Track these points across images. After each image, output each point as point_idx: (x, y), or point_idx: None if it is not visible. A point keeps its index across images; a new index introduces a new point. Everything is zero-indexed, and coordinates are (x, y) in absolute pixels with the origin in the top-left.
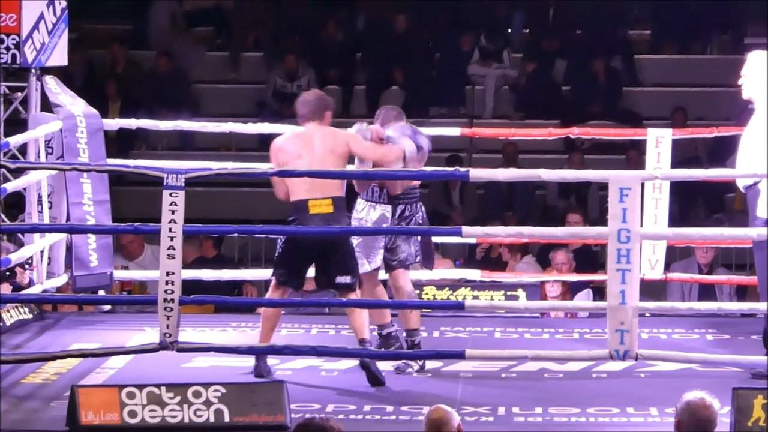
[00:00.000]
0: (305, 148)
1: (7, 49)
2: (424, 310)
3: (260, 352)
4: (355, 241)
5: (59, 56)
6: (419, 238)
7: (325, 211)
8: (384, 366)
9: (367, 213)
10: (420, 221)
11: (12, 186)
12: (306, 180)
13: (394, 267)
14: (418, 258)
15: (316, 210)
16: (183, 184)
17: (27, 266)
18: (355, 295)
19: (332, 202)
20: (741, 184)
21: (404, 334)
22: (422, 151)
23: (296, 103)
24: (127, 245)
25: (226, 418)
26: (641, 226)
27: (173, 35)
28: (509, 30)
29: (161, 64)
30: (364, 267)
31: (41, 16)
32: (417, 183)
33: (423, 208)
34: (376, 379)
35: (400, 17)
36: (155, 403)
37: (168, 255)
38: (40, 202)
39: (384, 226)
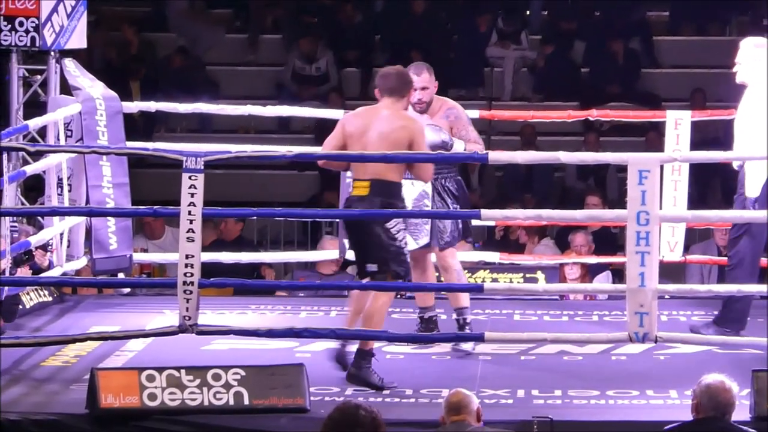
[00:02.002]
0: (365, 126)
1: (27, 32)
2: (443, 293)
3: (279, 335)
4: (394, 221)
5: (78, 39)
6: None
7: (361, 193)
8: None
9: (405, 190)
10: (456, 193)
11: (31, 169)
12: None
13: (441, 247)
14: (467, 237)
15: (355, 192)
16: (202, 167)
17: (47, 249)
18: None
19: (369, 185)
20: (736, 164)
21: (454, 314)
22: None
23: (379, 75)
24: (149, 225)
25: (246, 401)
26: (660, 208)
27: (192, 17)
28: (527, 12)
29: (176, 60)
30: (411, 245)
31: None
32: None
33: (459, 180)
34: (374, 387)
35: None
36: (175, 386)
37: (187, 238)
38: (59, 184)
39: (424, 202)
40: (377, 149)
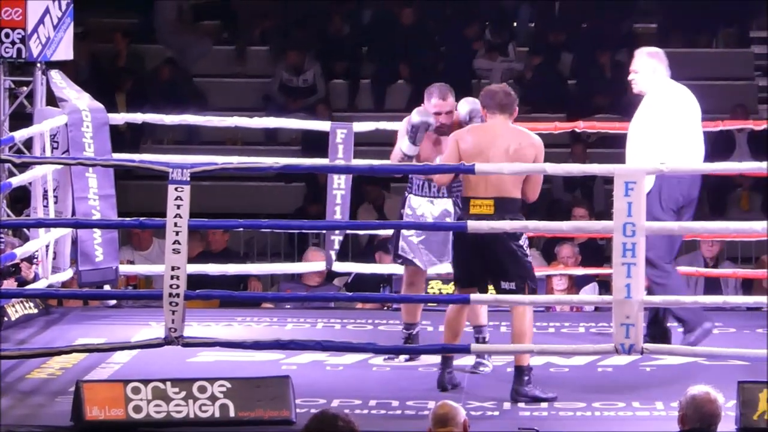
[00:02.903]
0: (485, 142)
1: (13, 43)
2: (429, 304)
3: (265, 347)
4: (416, 238)
5: (65, 50)
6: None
7: (485, 212)
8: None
9: (425, 209)
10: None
11: (17, 180)
12: (473, 175)
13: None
14: None
15: (476, 210)
16: (188, 179)
17: (33, 261)
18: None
19: (494, 203)
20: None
21: (474, 332)
22: None
23: (486, 94)
24: (137, 236)
25: (232, 413)
26: (647, 219)
27: (180, 29)
28: (515, 23)
29: (164, 72)
30: (431, 263)
31: (46, 11)
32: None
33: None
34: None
35: (407, 11)
36: (160, 398)
37: (173, 249)
38: (45, 196)
39: (446, 220)
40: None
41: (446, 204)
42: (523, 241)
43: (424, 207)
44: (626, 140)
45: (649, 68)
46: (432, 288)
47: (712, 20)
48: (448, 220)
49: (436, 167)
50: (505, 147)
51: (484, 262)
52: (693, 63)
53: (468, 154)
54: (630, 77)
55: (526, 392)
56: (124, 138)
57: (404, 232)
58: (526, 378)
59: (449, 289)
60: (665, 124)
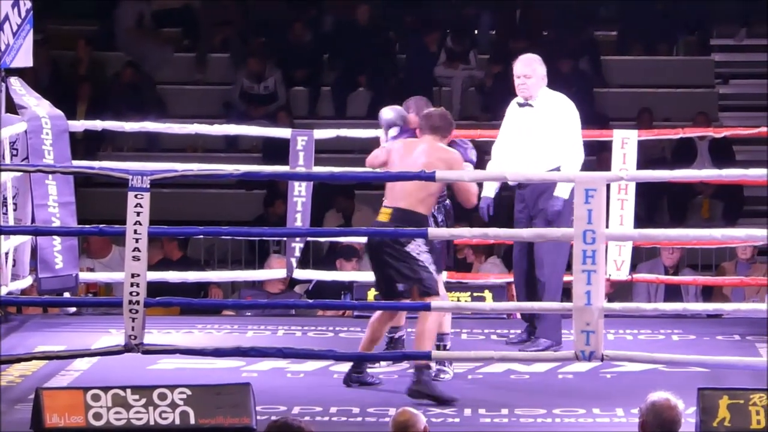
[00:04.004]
0: (404, 156)
1: None
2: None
3: (226, 355)
4: (413, 244)
5: (24, 57)
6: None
7: (382, 219)
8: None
9: None
10: (438, 223)
11: None
12: (391, 185)
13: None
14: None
15: (379, 217)
16: (148, 186)
17: None
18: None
19: (392, 213)
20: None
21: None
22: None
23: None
24: (92, 245)
25: (192, 420)
26: (607, 227)
27: (140, 36)
28: (476, 31)
29: (126, 74)
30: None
31: (6, 17)
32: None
33: (440, 213)
34: (443, 401)
35: (368, 18)
36: (120, 405)
37: (133, 257)
38: (4, 203)
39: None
40: (401, 183)
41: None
42: (413, 247)
43: None
44: (517, 144)
45: (540, 75)
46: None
47: (672, 28)
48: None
49: (396, 174)
50: (414, 162)
51: (377, 268)
52: (654, 70)
53: (391, 164)
54: (520, 82)
55: (426, 390)
56: (81, 145)
57: None
58: (426, 376)
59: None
60: (575, 131)
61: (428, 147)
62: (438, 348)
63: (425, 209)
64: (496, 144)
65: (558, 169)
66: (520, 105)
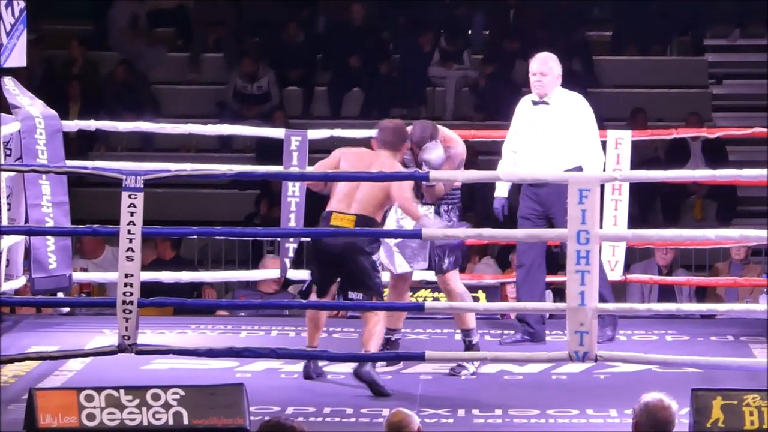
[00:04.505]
0: (358, 167)
1: None
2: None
3: (219, 355)
4: (392, 242)
5: (18, 57)
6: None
7: (345, 225)
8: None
9: (402, 214)
10: (454, 221)
11: None
12: (341, 190)
13: (442, 271)
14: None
15: (336, 223)
16: (142, 186)
17: None
18: (369, 316)
19: (356, 219)
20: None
21: (458, 335)
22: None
23: (378, 127)
24: (86, 245)
25: (185, 421)
26: (600, 227)
27: (134, 36)
28: (470, 31)
29: (120, 73)
30: (404, 267)
31: None
32: (458, 184)
33: (455, 213)
34: (377, 390)
35: (362, 18)
36: (114, 405)
37: (127, 257)
38: None
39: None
40: (366, 191)
41: (427, 210)
42: (378, 258)
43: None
44: (531, 143)
45: (556, 73)
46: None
47: (666, 28)
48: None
49: (389, 174)
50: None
51: (337, 271)
52: (647, 71)
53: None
54: (537, 79)
55: (367, 377)
56: (74, 144)
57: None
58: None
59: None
60: (593, 130)
61: (382, 165)
62: (465, 344)
63: (380, 218)
64: (507, 142)
65: (579, 168)
66: (535, 103)
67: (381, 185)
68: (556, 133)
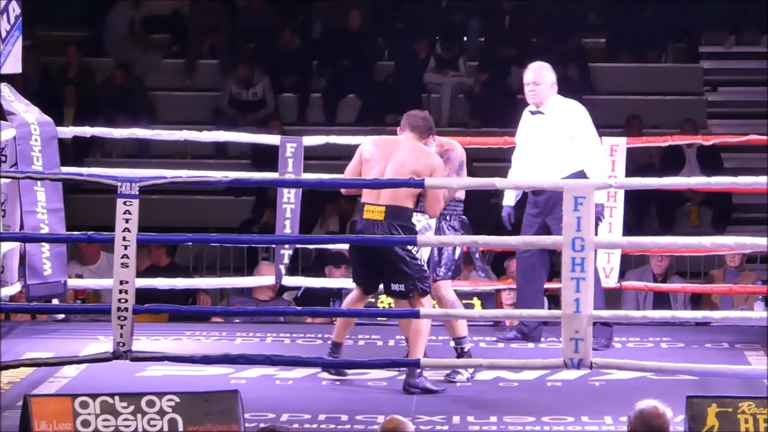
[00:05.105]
0: (386, 153)
1: None
2: (378, 318)
3: (214, 362)
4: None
5: (13, 64)
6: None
7: (376, 218)
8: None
9: (417, 222)
10: (459, 231)
11: None
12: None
13: (435, 279)
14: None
15: (368, 215)
16: (137, 193)
17: None
18: (415, 303)
19: (385, 210)
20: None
21: (452, 343)
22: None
23: (406, 114)
24: (83, 251)
25: (180, 428)
26: (596, 234)
27: (130, 42)
28: (465, 38)
29: (117, 77)
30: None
31: None
32: (460, 196)
33: (456, 222)
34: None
35: (357, 25)
36: (109, 412)
37: (122, 264)
38: None
39: (427, 234)
40: (395, 177)
41: (430, 220)
42: (413, 247)
43: (415, 220)
44: (525, 151)
45: (549, 82)
46: (382, 302)
47: (661, 35)
48: (428, 234)
49: (385, 182)
50: (401, 160)
51: (373, 267)
52: (643, 78)
53: (367, 162)
54: (531, 89)
55: (417, 384)
56: (69, 151)
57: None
58: (419, 371)
59: None
60: (591, 134)
61: (412, 149)
62: (457, 352)
63: (412, 204)
64: (515, 152)
65: (581, 173)
66: (532, 113)
67: (411, 172)
68: (552, 141)
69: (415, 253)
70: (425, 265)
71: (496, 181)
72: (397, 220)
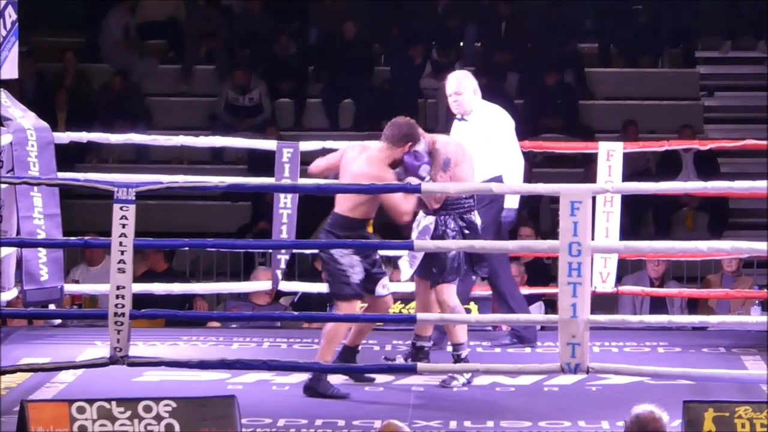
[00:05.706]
0: (350, 161)
1: None
2: (376, 323)
3: (211, 367)
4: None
5: (9, 69)
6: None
7: (323, 223)
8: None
9: (417, 222)
10: (451, 235)
11: None
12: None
13: (436, 282)
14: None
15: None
16: (133, 198)
17: None
18: (337, 308)
19: (329, 218)
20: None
21: (449, 348)
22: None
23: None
24: (90, 253)
25: None
26: (592, 239)
27: (126, 48)
28: (461, 43)
29: (116, 82)
30: (406, 272)
31: None
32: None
33: (458, 220)
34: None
35: (353, 30)
36: (105, 417)
37: (118, 269)
38: None
39: (425, 237)
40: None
41: (429, 221)
42: (338, 254)
43: (417, 220)
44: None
45: (471, 89)
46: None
47: (657, 40)
48: (426, 237)
49: (382, 186)
50: (355, 171)
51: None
52: (639, 83)
53: (340, 167)
54: (453, 100)
55: (318, 388)
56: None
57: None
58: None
59: (396, 308)
60: (510, 139)
61: (368, 159)
62: (454, 358)
63: (360, 214)
64: None
65: (499, 177)
66: (458, 120)
67: (358, 180)
68: (473, 146)
69: (338, 258)
70: (349, 271)
71: (493, 186)
72: (337, 229)
